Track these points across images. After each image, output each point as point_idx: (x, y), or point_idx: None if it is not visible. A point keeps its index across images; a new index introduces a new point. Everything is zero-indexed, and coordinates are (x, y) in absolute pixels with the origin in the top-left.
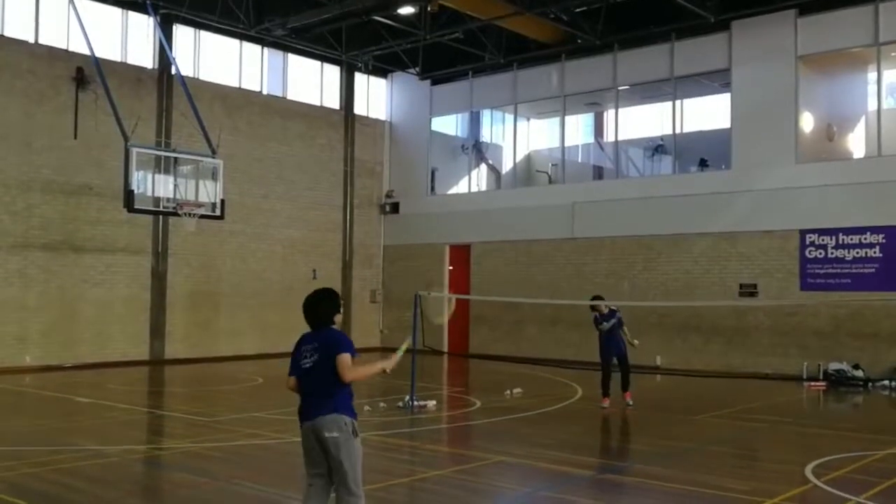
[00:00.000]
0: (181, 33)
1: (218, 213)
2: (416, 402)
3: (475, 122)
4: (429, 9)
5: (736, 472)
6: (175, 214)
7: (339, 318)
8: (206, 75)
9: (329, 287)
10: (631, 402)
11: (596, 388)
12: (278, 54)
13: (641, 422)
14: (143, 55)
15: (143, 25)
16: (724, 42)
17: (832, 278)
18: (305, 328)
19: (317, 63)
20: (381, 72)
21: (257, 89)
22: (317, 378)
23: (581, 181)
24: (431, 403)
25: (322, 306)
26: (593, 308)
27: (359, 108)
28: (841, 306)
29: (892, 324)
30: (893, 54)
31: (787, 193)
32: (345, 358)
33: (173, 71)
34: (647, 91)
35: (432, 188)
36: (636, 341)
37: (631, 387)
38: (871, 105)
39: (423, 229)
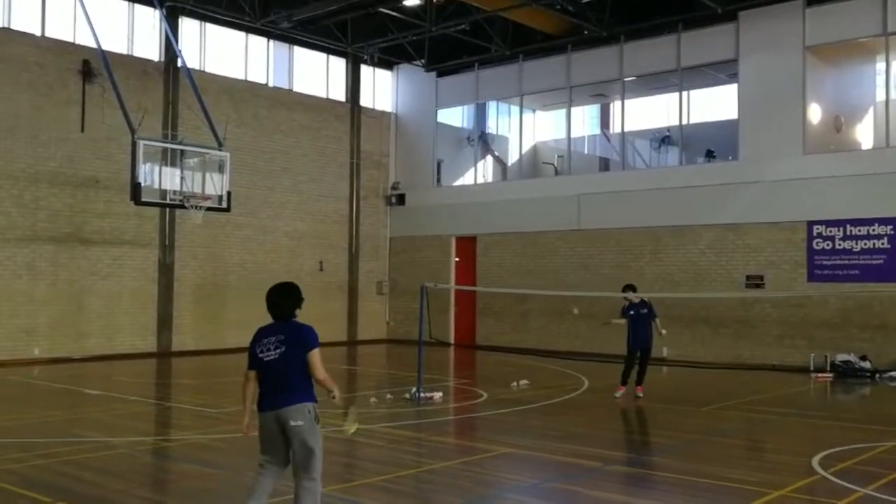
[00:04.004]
0: (187, 26)
1: (224, 205)
2: (422, 394)
3: (481, 114)
4: (434, 0)
5: (743, 464)
6: (182, 207)
7: (298, 312)
8: (213, 68)
9: (291, 281)
10: (641, 395)
11: (603, 379)
12: (284, 47)
13: (649, 413)
14: (149, 48)
15: (149, 18)
16: (732, 32)
17: (840, 269)
18: (313, 319)
19: (323, 55)
20: (386, 64)
21: (263, 82)
22: (283, 369)
23: (587, 173)
24: (438, 395)
25: (289, 301)
26: (625, 297)
27: (365, 101)
28: (848, 297)
29: None
30: None
31: (794, 185)
32: (317, 355)
33: (179, 64)
34: (654, 82)
35: (438, 180)
36: (664, 330)
37: (644, 382)
38: (880, 96)
39: (430, 221)
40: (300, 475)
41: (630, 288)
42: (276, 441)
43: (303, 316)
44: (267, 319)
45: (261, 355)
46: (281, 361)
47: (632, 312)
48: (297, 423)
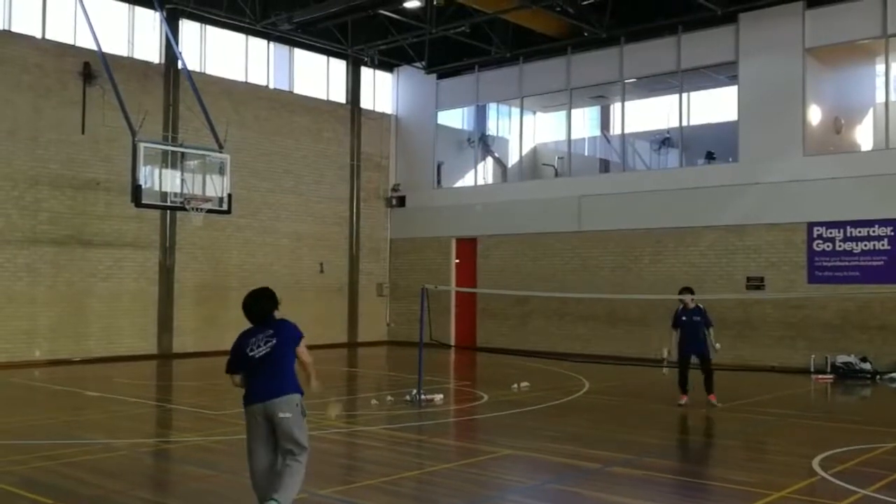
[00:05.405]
0: (187, 28)
1: (225, 207)
2: (423, 396)
3: (481, 116)
4: (435, 3)
5: (744, 465)
6: (182, 209)
7: (277, 314)
8: (213, 70)
9: (265, 286)
10: (717, 404)
11: (603, 381)
12: (284, 49)
13: (649, 414)
14: (149, 50)
15: (149, 20)
16: (732, 34)
17: (840, 271)
18: (313, 321)
19: (323, 57)
20: (387, 66)
21: (264, 84)
22: (273, 363)
23: (588, 174)
24: (438, 397)
25: (266, 303)
26: (681, 300)
27: (365, 102)
28: (848, 299)
29: None
30: None
31: (794, 186)
32: (304, 343)
33: (180, 66)
34: (654, 84)
35: (438, 181)
36: (718, 345)
37: (715, 388)
38: (879, 97)
39: (430, 223)
40: (286, 457)
41: (687, 291)
42: (261, 432)
43: (304, 317)
44: None
45: (251, 353)
46: (273, 355)
47: (684, 318)
48: (286, 415)
